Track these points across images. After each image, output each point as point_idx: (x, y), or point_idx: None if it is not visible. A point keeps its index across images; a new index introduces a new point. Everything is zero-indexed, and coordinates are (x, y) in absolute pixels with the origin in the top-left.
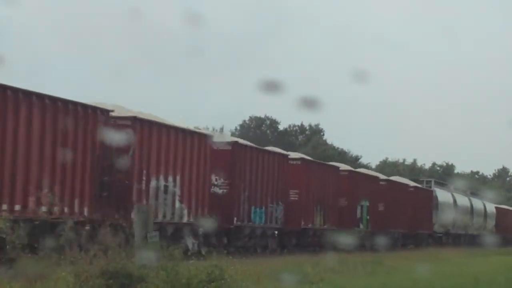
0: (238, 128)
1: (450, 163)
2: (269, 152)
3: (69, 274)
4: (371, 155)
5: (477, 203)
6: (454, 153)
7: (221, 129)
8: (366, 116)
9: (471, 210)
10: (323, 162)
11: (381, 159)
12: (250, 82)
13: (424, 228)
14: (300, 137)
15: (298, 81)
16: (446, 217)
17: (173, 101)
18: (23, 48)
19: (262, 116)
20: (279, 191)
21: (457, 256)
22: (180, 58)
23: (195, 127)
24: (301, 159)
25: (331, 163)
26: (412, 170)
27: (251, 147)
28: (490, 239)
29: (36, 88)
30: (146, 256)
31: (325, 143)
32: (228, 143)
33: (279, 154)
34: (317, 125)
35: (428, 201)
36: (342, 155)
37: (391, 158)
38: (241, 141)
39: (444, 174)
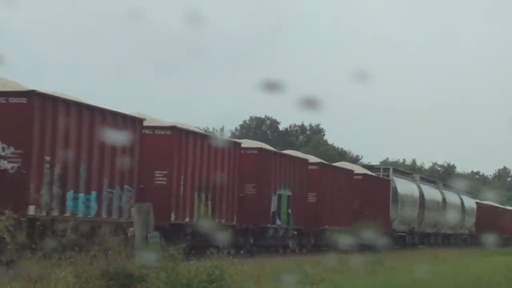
0: (239, 128)
1: (451, 164)
2: None
3: (69, 275)
4: (371, 155)
5: (452, 197)
6: (455, 153)
7: (222, 130)
8: (366, 116)
9: (444, 205)
10: (201, 131)
11: (382, 159)
12: (250, 82)
13: (378, 226)
14: (301, 137)
15: (298, 81)
16: (408, 213)
17: (173, 101)
18: (23, 48)
19: (263, 116)
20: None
21: (454, 257)
22: (180, 58)
23: (195, 127)
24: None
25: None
26: (412, 170)
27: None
28: (468, 239)
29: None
30: (147, 257)
31: (325, 143)
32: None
33: None
34: (317, 125)
35: (384, 193)
36: (342, 155)
37: (391, 158)
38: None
39: (445, 175)
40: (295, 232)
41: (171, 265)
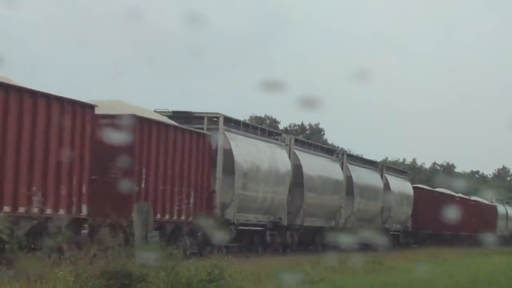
0: None
1: (450, 163)
2: None
3: (69, 274)
4: (371, 155)
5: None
6: (454, 153)
7: None
8: (366, 116)
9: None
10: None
11: (381, 159)
12: (250, 82)
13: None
14: (300, 137)
15: (298, 81)
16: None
17: (173, 101)
18: (23, 48)
19: (262, 115)
20: None
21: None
22: (180, 58)
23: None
24: None
25: None
26: (412, 170)
27: None
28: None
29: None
30: (146, 256)
31: (325, 142)
32: None
33: None
34: (317, 125)
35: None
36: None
37: (391, 158)
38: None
39: (445, 174)
40: None
41: (170, 265)
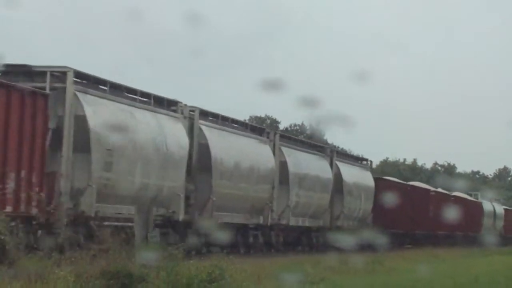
0: None
1: (452, 163)
2: None
3: (69, 274)
4: (371, 155)
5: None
6: (455, 153)
7: None
8: (366, 116)
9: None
10: None
11: (382, 159)
12: (250, 82)
13: None
14: (301, 137)
15: (298, 80)
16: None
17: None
18: (23, 48)
19: (263, 115)
20: None
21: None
22: (180, 58)
23: None
24: None
25: None
26: (413, 170)
27: None
28: None
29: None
30: (147, 256)
31: (326, 142)
32: None
33: None
34: (317, 125)
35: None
36: None
37: (391, 158)
38: None
39: (446, 174)
40: None
41: (171, 265)
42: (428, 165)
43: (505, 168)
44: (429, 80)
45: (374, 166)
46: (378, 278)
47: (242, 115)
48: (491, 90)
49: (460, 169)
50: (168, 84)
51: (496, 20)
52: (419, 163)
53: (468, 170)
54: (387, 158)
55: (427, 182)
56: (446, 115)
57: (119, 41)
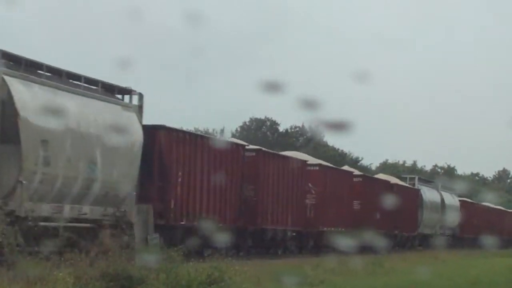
0: (239, 129)
1: (452, 165)
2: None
3: (68, 276)
4: (371, 157)
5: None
6: (455, 155)
7: (222, 131)
8: (366, 117)
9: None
10: None
11: (382, 161)
12: (250, 83)
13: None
14: (301, 139)
15: (298, 81)
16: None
17: (172, 101)
18: (23, 48)
19: (263, 117)
20: None
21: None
22: (180, 58)
23: (195, 129)
24: None
25: None
26: (413, 172)
27: None
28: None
29: None
30: (147, 258)
31: (326, 144)
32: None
33: None
34: (317, 126)
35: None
36: (342, 157)
37: (391, 160)
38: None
39: (445, 176)
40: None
41: (170, 267)
42: (428, 167)
43: (505, 170)
44: (429, 80)
45: (373, 168)
46: (378, 280)
47: (242, 117)
48: (491, 91)
49: (459, 171)
50: (168, 84)
51: (496, 20)
52: (419, 165)
53: (468, 172)
54: (387, 160)
55: None
56: (446, 116)
57: (119, 41)
